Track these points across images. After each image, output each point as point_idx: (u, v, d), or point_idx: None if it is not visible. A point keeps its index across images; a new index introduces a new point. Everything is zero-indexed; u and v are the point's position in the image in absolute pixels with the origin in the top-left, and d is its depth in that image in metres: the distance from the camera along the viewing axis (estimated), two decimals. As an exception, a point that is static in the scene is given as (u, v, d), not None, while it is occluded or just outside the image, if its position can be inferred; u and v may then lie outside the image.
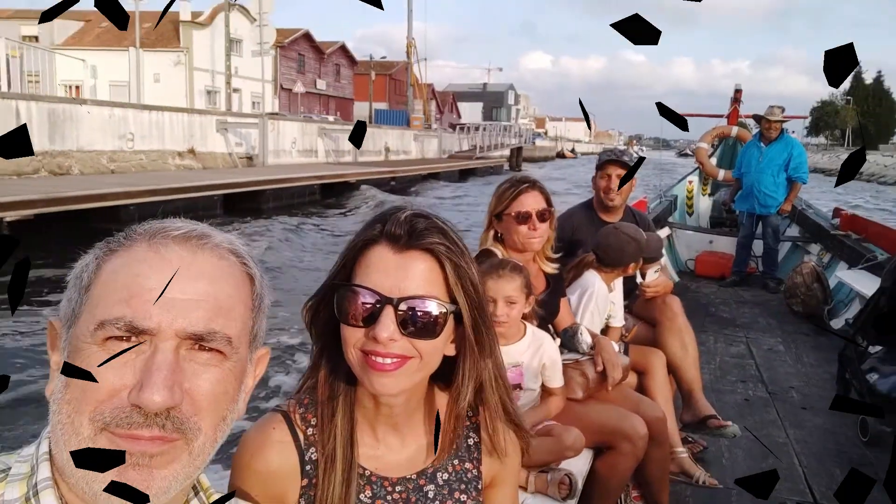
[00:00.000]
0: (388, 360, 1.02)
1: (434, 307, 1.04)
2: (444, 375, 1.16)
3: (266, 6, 24.84)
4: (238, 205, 14.00)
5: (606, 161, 3.48)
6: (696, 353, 3.19)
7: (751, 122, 8.51)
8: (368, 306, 1.03)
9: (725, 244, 7.92)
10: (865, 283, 5.33)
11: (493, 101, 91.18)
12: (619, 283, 3.02)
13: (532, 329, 2.22)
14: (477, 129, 41.98)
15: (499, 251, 2.40)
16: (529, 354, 2.17)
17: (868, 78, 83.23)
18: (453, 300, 1.06)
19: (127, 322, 0.69)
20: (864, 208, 20.26)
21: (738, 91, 9.72)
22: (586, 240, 3.19)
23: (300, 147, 22.12)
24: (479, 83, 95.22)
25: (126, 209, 10.45)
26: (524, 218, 2.38)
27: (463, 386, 1.13)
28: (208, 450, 0.75)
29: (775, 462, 3.30)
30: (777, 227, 7.30)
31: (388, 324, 1.01)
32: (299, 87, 40.98)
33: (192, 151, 16.68)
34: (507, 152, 43.47)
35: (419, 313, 1.03)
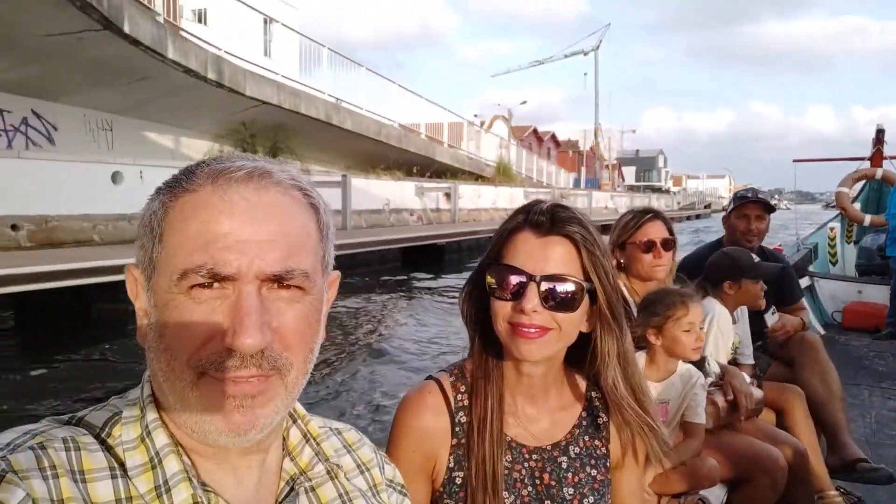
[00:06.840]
0: (533, 330, 1.17)
1: (571, 284, 1.17)
2: (578, 358, 1.27)
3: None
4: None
5: (747, 201, 3.35)
6: (841, 393, 2.98)
7: None
8: (515, 283, 1.18)
9: (877, 293, 7.29)
10: None
11: (646, 165, 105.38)
12: (744, 318, 2.91)
13: (684, 364, 2.12)
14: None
15: (621, 281, 2.43)
16: (678, 390, 2.08)
17: None
18: (588, 281, 1.19)
19: (208, 269, 0.70)
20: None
21: (880, 131, 9.13)
22: None
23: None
24: (632, 150, 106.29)
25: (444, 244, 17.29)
26: (648, 246, 2.41)
27: (606, 361, 1.22)
28: (301, 381, 0.78)
29: None
30: (937, 274, 6.65)
31: (531, 297, 1.16)
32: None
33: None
34: (702, 207, 72.63)
35: (558, 289, 1.17)
